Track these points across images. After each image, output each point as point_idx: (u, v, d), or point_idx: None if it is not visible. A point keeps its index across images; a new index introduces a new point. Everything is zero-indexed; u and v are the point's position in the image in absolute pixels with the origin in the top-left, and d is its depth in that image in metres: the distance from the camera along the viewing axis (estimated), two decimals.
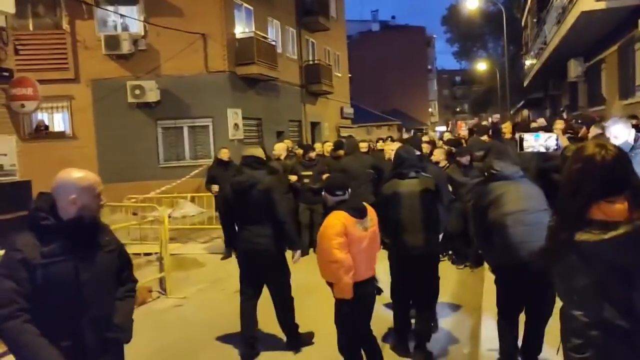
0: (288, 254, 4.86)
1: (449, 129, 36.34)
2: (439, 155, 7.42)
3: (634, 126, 7.05)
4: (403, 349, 4.50)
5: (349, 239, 3.54)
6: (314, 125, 22.69)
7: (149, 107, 14.79)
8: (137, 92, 14.33)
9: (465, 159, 7.03)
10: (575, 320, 1.99)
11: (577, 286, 1.97)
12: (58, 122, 15.58)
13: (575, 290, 1.98)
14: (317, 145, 10.45)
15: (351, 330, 3.73)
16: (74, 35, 14.72)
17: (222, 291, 6.59)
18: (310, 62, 21.94)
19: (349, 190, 3.76)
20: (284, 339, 4.83)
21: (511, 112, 31.22)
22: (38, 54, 14.05)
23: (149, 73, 14.70)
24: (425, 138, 10.50)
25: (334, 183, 3.84)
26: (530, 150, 3.45)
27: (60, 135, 15.23)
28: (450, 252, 7.51)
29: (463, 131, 13.36)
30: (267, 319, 4.85)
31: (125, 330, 2.63)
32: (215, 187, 8.41)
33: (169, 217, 8.47)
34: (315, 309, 5.19)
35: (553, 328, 3.61)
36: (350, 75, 29.26)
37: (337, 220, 3.57)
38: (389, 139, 11.32)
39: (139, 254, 7.62)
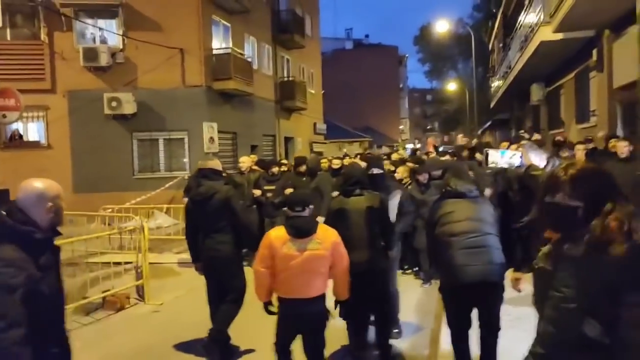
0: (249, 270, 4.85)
1: (418, 146, 37.26)
2: (402, 173, 7.55)
3: (589, 150, 7.63)
4: None
5: (274, 255, 3.62)
6: (288, 140, 23.11)
7: (125, 119, 14.98)
8: (114, 104, 14.52)
9: (423, 177, 7.17)
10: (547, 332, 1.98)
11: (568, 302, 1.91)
12: (33, 131, 15.65)
13: (564, 305, 1.91)
14: (285, 160, 10.58)
15: (278, 341, 3.85)
16: (52, 46, 14.89)
17: (198, 298, 6.81)
18: (285, 79, 22.43)
19: (311, 207, 3.78)
20: (259, 349, 4.91)
21: (479, 131, 32.20)
22: (15, 64, 14.20)
23: (126, 85, 14.92)
24: (394, 156, 10.82)
25: (293, 198, 3.90)
26: (494, 166, 3.48)
27: (35, 145, 15.30)
28: (415, 269, 7.67)
29: (432, 148, 13.91)
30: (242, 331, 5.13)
31: None
32: None
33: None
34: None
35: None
36: (323, 91, 29.86)
37: (268, 235, 3.73)
38: (346, 155, 11.48)
39: (119, 263, 7.82)
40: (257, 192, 8.48)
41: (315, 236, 3.66)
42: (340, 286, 3.93)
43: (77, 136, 15.02)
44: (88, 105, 14.82)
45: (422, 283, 7.31)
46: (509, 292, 3.94)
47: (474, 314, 3.97)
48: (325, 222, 4.39)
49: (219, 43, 16.61)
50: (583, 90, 11.88)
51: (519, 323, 4.71)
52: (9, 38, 14.81)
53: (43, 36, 14.84)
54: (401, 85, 59.02)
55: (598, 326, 1.85)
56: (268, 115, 20.68)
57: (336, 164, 9.07)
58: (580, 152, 7.16)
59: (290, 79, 22.69)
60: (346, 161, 9.50)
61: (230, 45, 16.92)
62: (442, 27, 32.21)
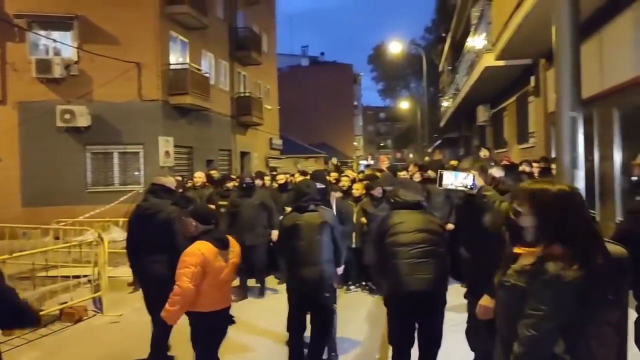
0: None
1: (371, 162, 38.08)
2: (360, 190, 7.83)
3: (526, 173, 8.06)
4: None
5: (208, 271, 3.64)
6: (244, 155, 23.29)
7: (78, 132, 14.85)
8: (67, 116, 14.40)
9: (377, 192, 7.43)
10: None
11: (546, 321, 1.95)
12: None
13: (541, 324, 1.95)
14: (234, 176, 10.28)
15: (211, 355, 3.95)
16: (4, 57, 14.66)
17: None
18: (242, 94, 22.68)
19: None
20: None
21: (429, 149, 33.27)
22: None
23: (80, 98, 14.83)
24: (350, 173, 10.76)
25: (204, 212, 3.91)
26: (448, 187, 3.43)
27: None
28: (364, 283, 7.79)
29: (385, 165, 14.43)
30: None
31: None
32: None
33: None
34: None
35: None
36: (279, 107, 30.24)
37: (198, 251, 3.63)
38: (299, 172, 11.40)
39: (77, 276, 7.83)
40: (211, 208, 8.52)
41: (229, 246, 3.85)
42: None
43: (27, 148, 14.77)
44: (39, 117, 14.64)
45: (373, 294, 7.43)
46: (453, 301, 4.15)
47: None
48: (278, 238, 4.60)
49: (176, 58, 16.74)
50: (523, 113, 12.71)
51: (461, 328, 5.10)
52: None
53: None
54: (355, 103, 60.17)
55: (562, 343, 1.91)
56: (224, 130, 20.84)
57: (281, 179, 9.11)
58: (536, 169, 7.53)
59: (247, 94, 22.96)
60: (297, 177, 9.52)
61: (188, 60, 17.09)
62: (395, 47, 33.26)
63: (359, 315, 6.37)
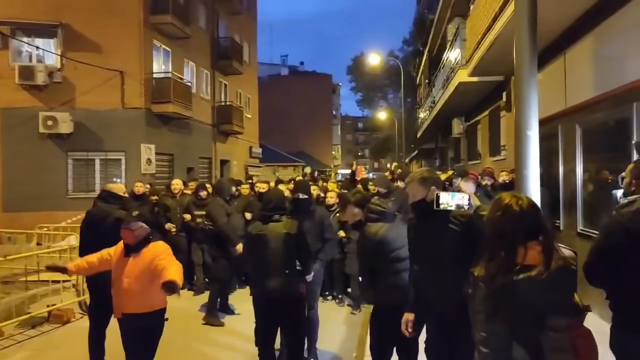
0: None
1: (348, 171, 38.51)
2: (334, 199, 7.54)
3: (504, 184, 8.37)
4: None
5: (111, 262, 4.14)
6: (224, 162, 23.51)
7: (60, 139, 14.95)
8: (50, 122, 14.50)
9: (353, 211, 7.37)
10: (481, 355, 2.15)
11: (492, 324, 2.09)
12: None
13: (489, 328, 2.09)
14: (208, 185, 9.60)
15: None
16: None
17: None
18: (223, 103, 22.96)
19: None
20: None
21: (406, 160, 33.88)
22: None
23: (63, 105, 14.93)
24: (330, 186, 10.56)
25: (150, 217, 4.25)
26: (446, 208, 3.24)
27: None
28: (334, 294, 7.70)
29: (363, 174, 14.78)
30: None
31: None
32: None
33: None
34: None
35: None
36: (259, 116, 30.54)
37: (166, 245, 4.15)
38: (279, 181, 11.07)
39: (57, 281, 7.97)
40: (187, 217, 8.21)
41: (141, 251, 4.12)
42: None
43: (9, 154, 14.81)
44: (22, 124, 14.70)
45: (352, 310, 7.33)
46: None
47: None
48: (244, 247, 4.65)
49: (159, 67, 16.96)
50: (495, 126, 13.25)
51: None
52: None
53: None
54: (334, 113, 60.81)
55: (522, 350, 1.99)
56: (205, 138, 21.07)
57: (263, 187, 8.29)
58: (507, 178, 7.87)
59: (228, 103, 23.25)
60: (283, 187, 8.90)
61: (170, 69, 17.31)
62: (374, 59, 33.89)
63: (330, 331, 6.61)
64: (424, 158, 32.44)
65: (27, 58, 15.32)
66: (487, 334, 2.12)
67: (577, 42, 7.14)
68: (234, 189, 8.55)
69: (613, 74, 6.00)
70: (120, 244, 4.11)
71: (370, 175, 15.18)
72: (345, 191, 8.54)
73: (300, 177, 13.26)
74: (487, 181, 8.05)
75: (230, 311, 7.23)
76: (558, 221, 7.80)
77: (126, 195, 5.84)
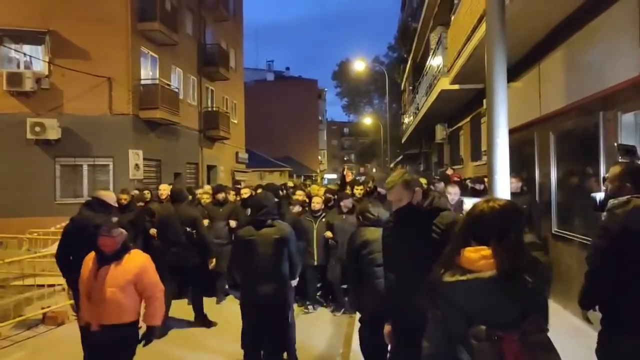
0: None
1: (334, 176, 38.84)
2: (320, 203, 7.57)
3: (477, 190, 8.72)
4: None
5: (82, 274, 3.88)
6: (210, 168, 23.70)
7: (48, 144, 15.05)
8: (38, 129, 14.60)
9: (348, 202, 7.26)
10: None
11: (431, 323, 2.09)
12: None
13: (429, 326, 2.09)
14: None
15: None
16: None
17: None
18: (209, 109, 23.18)
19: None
20: None
21: (391, 165, 34.30)
22: None
23: (51, 111, 15.05)
24: (315, 190, 10.37)
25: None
26: None
27: None
28: (307, 303, 7.54)
29: (349, 179, 15.00)
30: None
31: None
32: None
33: None
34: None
35: None
36: (245, 121, 30.78)
37: (90, 254, 3.91)
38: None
39: (43, 285, 8.10)
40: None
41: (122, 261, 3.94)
42: None
43: None
44: (9, 129, 14.79)
45: (334, 312, 7.34)
46: None
47: None
48: (232, 252, 4.62)
49: (147, 73, 17.15)
50: (476, 132, 13.64)
51: None
52: None
53: None
54: (320, 118, 61.18)
55: (466, 353, 1.94)
56: (192, 143, 21.26)
57: (245, 193, 8.62)
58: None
59: (214, 109, 23.48)
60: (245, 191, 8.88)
61: (158, 75, 17.50)
62: (359, 66, 34.31)
63: (319, 320, 6.88)
64: (408, 163, 32.88)
65: (15, 64, 15.42)
66: (427, 332, 2.11)
67: (549, 54, 7.54)
68: (221, 195, 8.52)
69: (582, 85, 6.39)
70: (92, 254, 3.91)
71: (357, 178, 15.42)
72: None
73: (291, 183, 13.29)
74: (478, 187, 8.38)
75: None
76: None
77: (116, 205, 5.78)
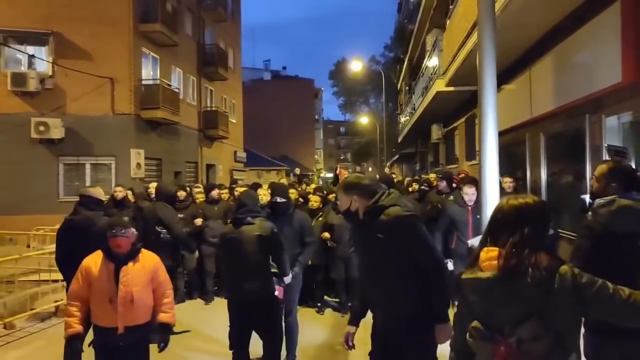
0: None
1: (330, 175, 39.23)
2: (318, 202, 7.53)
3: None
4: None
5: (89, 278, 3.66)
6: (209, 167, 24.00)
7: (52, 144, 15.33)
8: (42, 128, 14.88)
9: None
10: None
11: (456, 319, 2.17)
12: None
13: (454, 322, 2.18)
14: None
15: None
16: None
17: None
18: (208, 109, 23.48)
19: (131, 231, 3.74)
20: None
21: (387, 164, 34.65)
22: None
23: (55, 111, 15.32)
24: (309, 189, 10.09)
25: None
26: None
27: None
28: (315, 302, 7.44)
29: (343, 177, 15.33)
30: None
31: None
32: None
33: None
34: None
35: None
36: (243, 120, 31.08)
37: (88, 257, 3.76)
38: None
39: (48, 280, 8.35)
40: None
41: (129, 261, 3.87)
42: None
43: (1, 158, 15.12)
44: (14, 129, 15.05)
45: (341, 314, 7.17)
46: None
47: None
48: (218, 251, 4.73)
49: (148, 74, 17.43)
50: (471, 132, 14.01)
51: None
52: None
53: None
54: (317, 117, 61.47)
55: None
56: (191, 143, 21.56)
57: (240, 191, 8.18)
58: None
59: (213, 109, 23.77)
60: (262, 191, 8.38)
61: (159, 76, 17.79)
62: (355, 66, 34.64)
63: (318, 322, 7.06)
64: (405, 162, 33.22)
65: (20, 65, 15.68)
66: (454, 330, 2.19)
67: (539, 59, 7.90)
68: (215, 192, 8.45)
69: (569, 89, 6.75)
70: (93, 256, 3.77)
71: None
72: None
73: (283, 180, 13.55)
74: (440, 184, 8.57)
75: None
76: None
77: (105, 198, 5.65)
